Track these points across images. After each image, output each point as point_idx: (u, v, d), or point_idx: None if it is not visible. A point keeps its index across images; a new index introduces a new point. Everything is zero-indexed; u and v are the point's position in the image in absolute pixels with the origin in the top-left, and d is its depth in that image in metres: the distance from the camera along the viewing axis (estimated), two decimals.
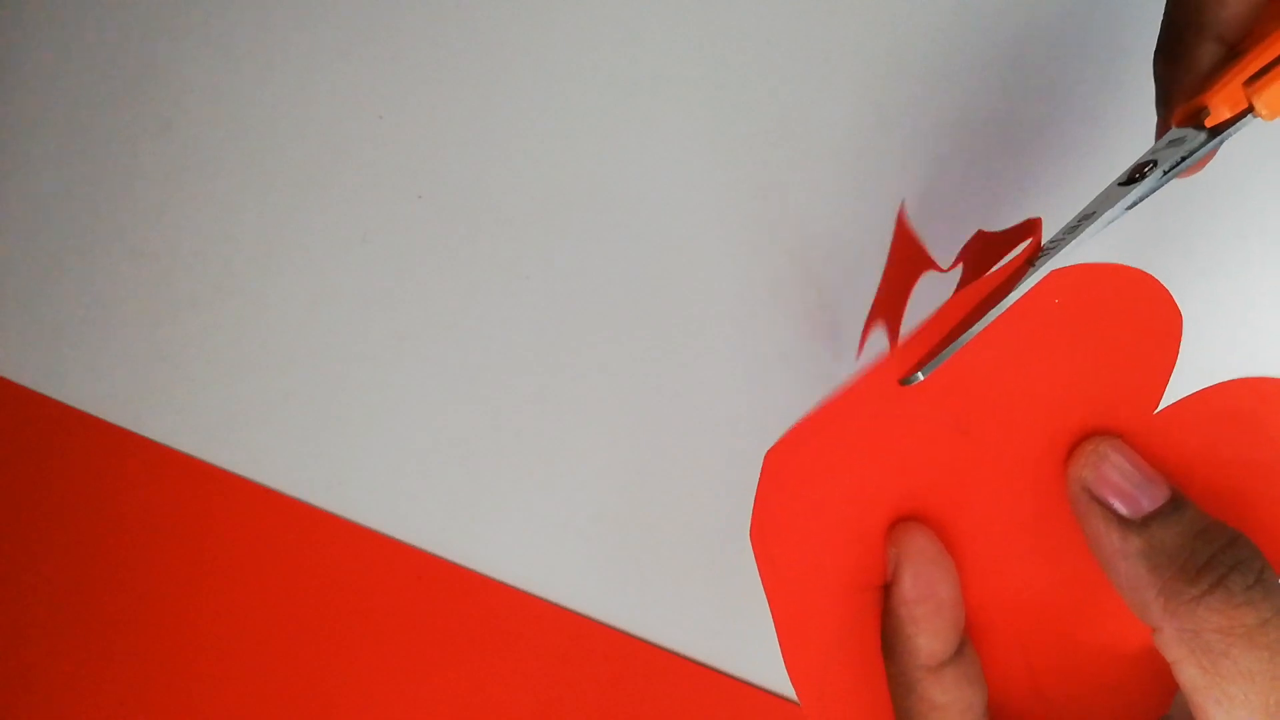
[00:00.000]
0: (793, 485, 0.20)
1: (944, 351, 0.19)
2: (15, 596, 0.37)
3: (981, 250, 0.21)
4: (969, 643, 0.21)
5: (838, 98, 0.34)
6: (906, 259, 0.23)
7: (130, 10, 0.37)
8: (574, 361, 0.35)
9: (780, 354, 0.34)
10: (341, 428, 0.36)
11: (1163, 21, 0.21)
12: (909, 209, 0.23)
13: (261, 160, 0.36)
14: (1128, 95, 0.33)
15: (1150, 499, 0.19)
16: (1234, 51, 0.20)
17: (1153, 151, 0.20)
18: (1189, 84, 0.20)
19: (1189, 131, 0.20)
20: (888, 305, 0.22)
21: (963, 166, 0.34)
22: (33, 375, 0.37)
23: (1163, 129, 0.21)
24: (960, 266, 0.22)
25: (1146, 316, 0.20)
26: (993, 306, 0.19)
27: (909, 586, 0.20)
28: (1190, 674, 0.18)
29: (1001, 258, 0.20)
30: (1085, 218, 0.19)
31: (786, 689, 0.34)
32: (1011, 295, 0.19)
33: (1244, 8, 0.19)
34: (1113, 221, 0.19)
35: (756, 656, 0.34)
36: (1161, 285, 0.20)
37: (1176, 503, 0.19)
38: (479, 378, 0.35)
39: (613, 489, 0.35)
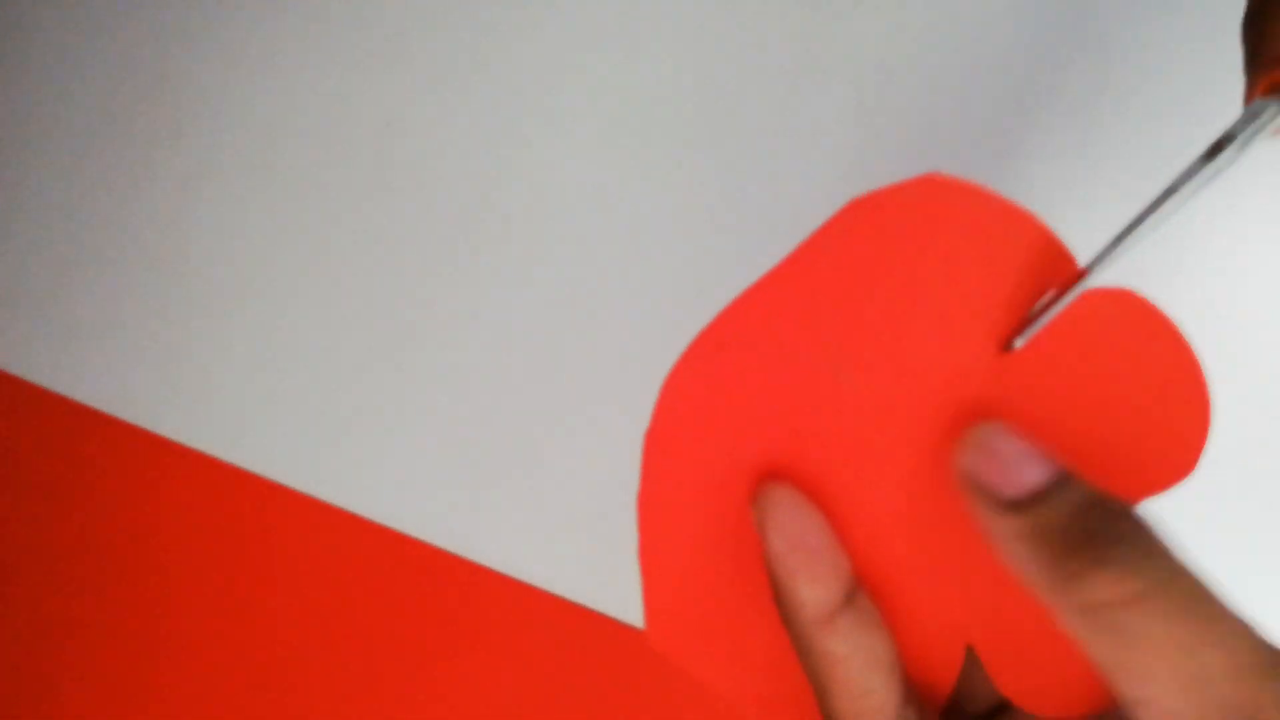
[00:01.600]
0: (683, 418, 0.20)
1: (1034, 325, 0.18)
2: (33, 593, 0.37)
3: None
4: (861, 593, 0.20)
5: (836, 99, 0.34)
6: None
7: (143, 18, 0.37)
8: (575, 357, 0.35)
9: None
10: (350, 425, 0.36)
11: None
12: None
13: (272, 165, 0.36)
14: (1130, 92, 0.33)
15: (1032, 477, 0.18)
16: None
17: (1236, 123, 0.19)
18: (1273, 54, 0.19)
19: (1272, 103, 0.19)
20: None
21: (963, 167, 0.34)
22: (49, 375, 0.37)
23: (1249, 99, 0.20)
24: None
25: (1023, 256, 0.19)
26: (1073, 286, 0.18)
27: (776, 540, 0.19)
28: (1099, 652, 0.17)
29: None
30: (1168, 193, 0.18)
31: None
32: (1092, 276, 0.18)
33: None
34: (1194, 195, 0.18)
35: None
36: (1030, 216, 0.19)
37: (1060, 481, 0.18)
38: (484, 374, 0.35)
39: (614, 481, 0.34)
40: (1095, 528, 0.17)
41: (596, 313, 0.35)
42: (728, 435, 0.20)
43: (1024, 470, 0.18)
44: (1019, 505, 0.18)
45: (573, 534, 0.35)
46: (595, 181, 0.35)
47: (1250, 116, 0.19)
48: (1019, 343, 0.18)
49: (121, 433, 0.36)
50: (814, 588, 0.19)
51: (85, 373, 0.37)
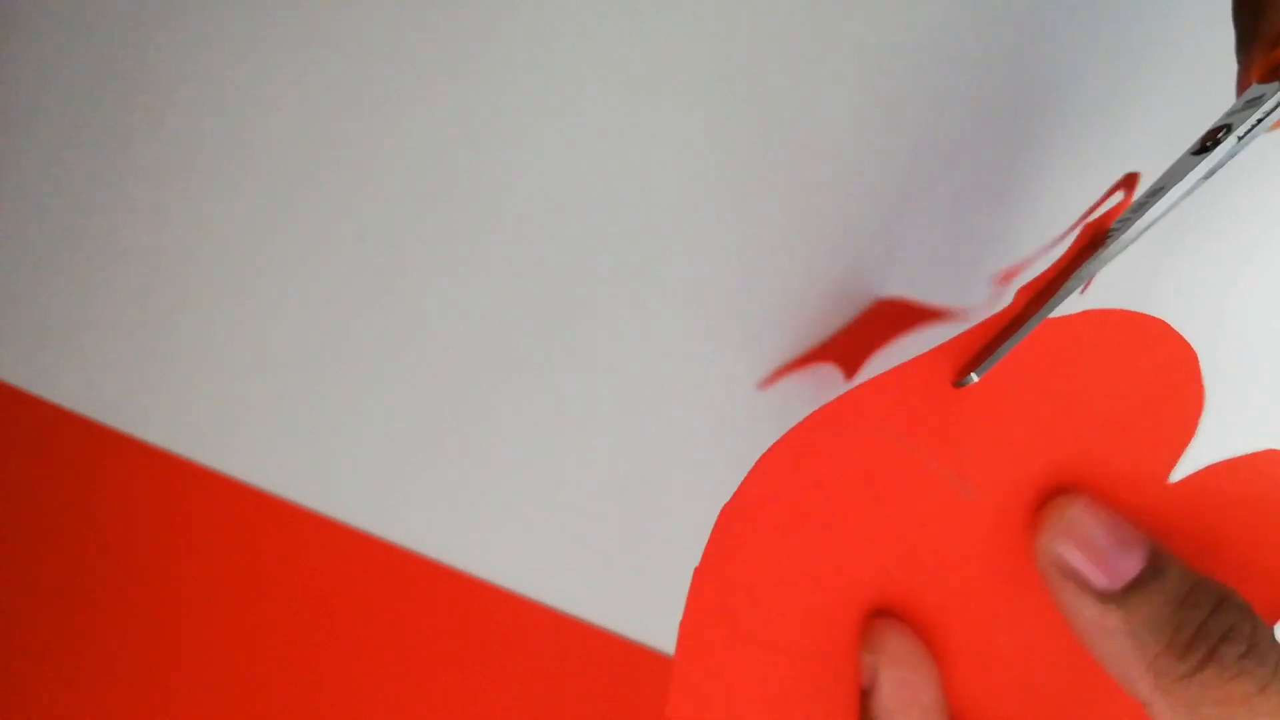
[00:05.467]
0: (774, 496, 0.18)
1: (998, 350, 0.17)
2: (3, 598, 0.36)
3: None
4: None
5: (840, 95, 0.34)
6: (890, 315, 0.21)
7: (121, 5, 0.36)
8: (569, 363, 0.34)
9: (780, 355, 0.34)
10: (334, 429, 0.35)
11: None
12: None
13: (255, 157, 0.36)
14: (1136, 89, 0.33)
15: (1127, 566, 0.17)
16: None
17: (1228, 114, 0.18)
18: (1270, 34, 0.18)
19: (1270, 88, 0.17)
20: (848, 348, 0.20)
21: (970, 165, 0.33)
22: (21, 374, 0.36)
23: (1243, 85, 0.19)
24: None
25: (1165, 373, 0.18)
26: (1050, 298, 0.17)
27: (889, 695, 0.18)
28: None
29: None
30: (1154, 193, 0.17)
31: None
32: (1070, 285, 0.17)
33: None
34: (1186, 196, 0.17)
35: None
36: (1183, 339, 0.18)
37: (1156, 567, 0.17)
38: (473, 379, 0.35)
39: (608, 491, 0.34)
40: (1200, 621, 0.16)
41: (593, 313, 0.34)
42: (822, 524, 0.18)
43: (1120, 558, 0.17)
44: (1115, 596, 0.17)
45: (566, 544, 0.34)
46: (595, 179, 0.34)
47: (1247, 105, 0.18)
48: (975, 377, 0.17)
49: (97, 436, 0.36)
50: None
51: (59, 373, 0.36)
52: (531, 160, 0.35)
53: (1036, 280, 0.17)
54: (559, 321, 0.35)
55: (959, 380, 0.17)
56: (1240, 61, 0.19)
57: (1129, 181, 0.18)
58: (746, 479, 0.18)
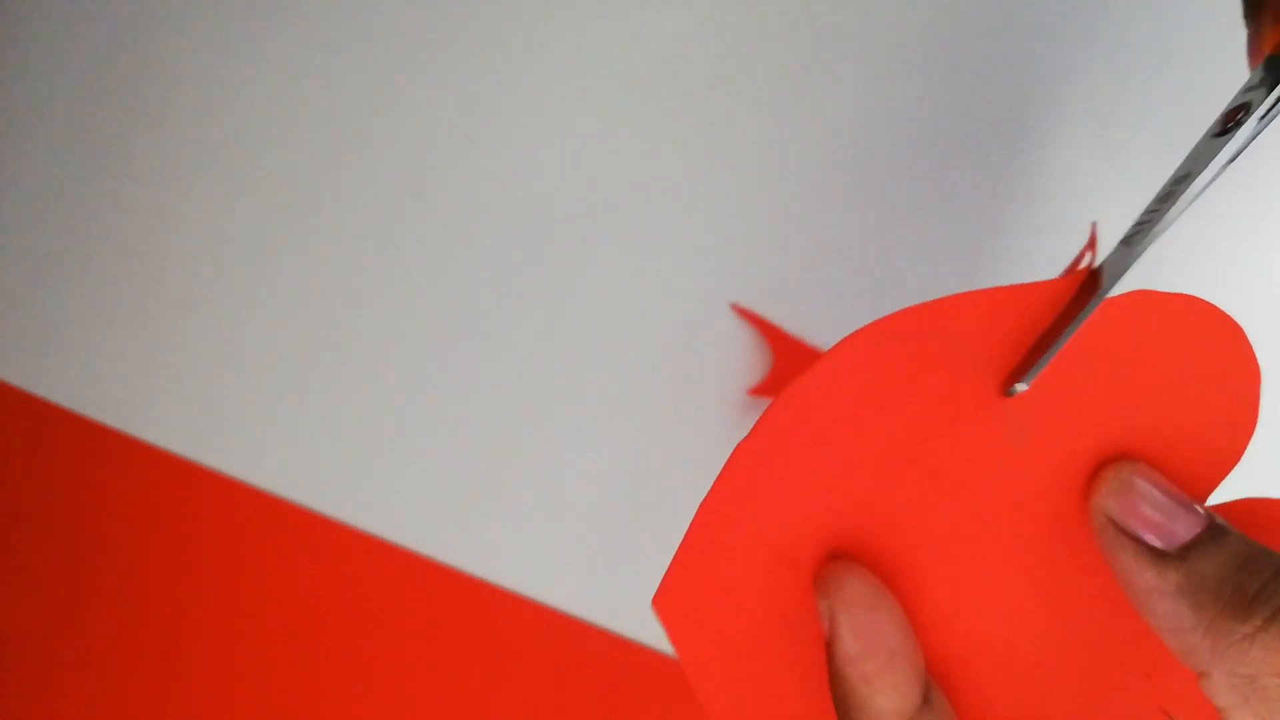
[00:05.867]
0: (750, 483, 0.17)
1: (1044, 357, 0.16)
2: (4, 597, 0.36)
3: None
4: (934, 688, 0.18)
5: (840, 96, 0.33)
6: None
7: (122, 6, 0.36)
8: (569, 364, 0.34)
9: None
10: (335, 429, 0.35)
11: None
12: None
13: (254, 157, 0.35)
14: (1136, 87, 0.32)
15: (1186, 526, 0.17)
16: None
17: (1245, 90, 0.17)
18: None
19: None
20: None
21: (969, 165, 0.33)
22: (21, 374, 0.36)
23: (1255, 57, 0.18)
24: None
25: (1223, 365, 0.17)
26: (1089, 301, 0.16)
27: (850, 642, 0.17)
28: None
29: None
30: (1179, 180, 0.16)
31: None
32: (1105, 283, 0.16)
33: None
34: (1212, 182, 0.16)
35: None
36: (1241, 331, 0.17)
37: (1215, 529, 0.17)
38: (474, 379, 0.34)
39: (608, 491, 0.34)
40: (1262, 583, 0.16)
41: (593, 314, 0.34)
42: (795, 502, 0.17)
43: (1180, 518, 0.17)
44: (1173, 557, 0.16)
45: (568, 544, 0.34)
46: (591, 177, 0.34)
47: (1267, 80, 0.17)
48: (1023, 385, 0.17)
49: (97, 436, 0.36)
50: (890, 695, 0.17)
51: (57, 372, 0.36)
52: (531, 162, 0.34)
53: (1074, 276, 0.16)
54: (559, 322, 0.34)
55: (1007, 389, 0.17)
56: (1250, 32, 0.18)
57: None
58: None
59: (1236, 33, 0.19)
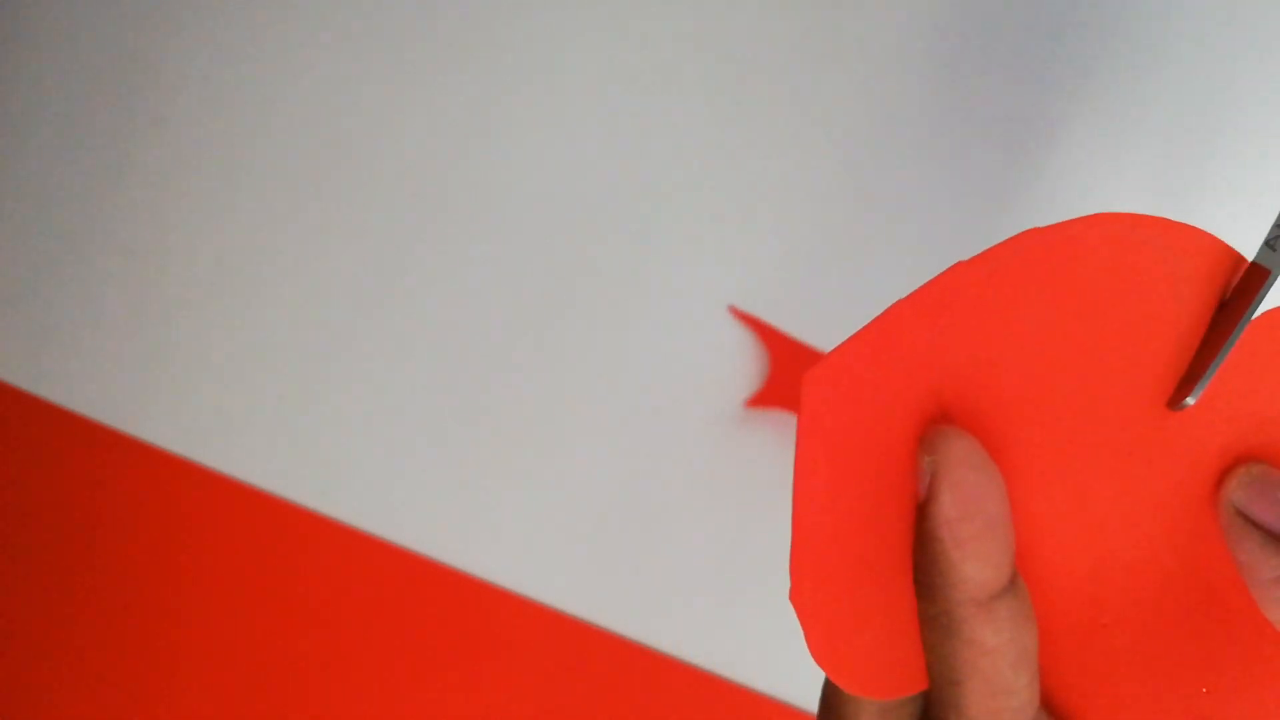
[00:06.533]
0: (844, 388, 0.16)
1: (1211, 366, 0.16)
2: (4, 597, 0.36)
3: None
4: (1020, 578, 0.17)
5: (841, 97, 0.33)
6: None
7: (122, 6, 0.36)
8: (569, 364, 0.34)
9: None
10: (334, 429, 0.35)
11: None
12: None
13: (255, 157, 0.35)
14: (1136, 87, 0.32)
15: None
16: None
17: None
18: None
19: None
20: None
21: (970, 165, 0.33)
22: (22, 375, 0.36)
23: None
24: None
25: None
26: (1249, 303, 0.16)
27: (949, 503, 0.16)
28: None
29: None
30: None
31: (784, 694, 0.34)
32: (1266, 287, 0.16)
33: None
34: None
35: (755, 661, 0.34)
36: None
37: None
38: (475, 380, 0.34)
39: (610, 493, 0.34)
40: None
41: (594, 314, 0.34)
42: (895, 389, 0.16)
43: None
44: None
45: (568, 545, 0.34)
46: (593, 178, 0.34)
47: None
48: (1192, 399, 0.17)
49: (97, 436, 0.36)
50: (981, 565, 0.16)
51: (57, 372, 0.36)
52: (530, 165, 0.34)
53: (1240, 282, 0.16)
54: (558, 323, 0.34)
55: (1174, 404, 0.17)
56: None
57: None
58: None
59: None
